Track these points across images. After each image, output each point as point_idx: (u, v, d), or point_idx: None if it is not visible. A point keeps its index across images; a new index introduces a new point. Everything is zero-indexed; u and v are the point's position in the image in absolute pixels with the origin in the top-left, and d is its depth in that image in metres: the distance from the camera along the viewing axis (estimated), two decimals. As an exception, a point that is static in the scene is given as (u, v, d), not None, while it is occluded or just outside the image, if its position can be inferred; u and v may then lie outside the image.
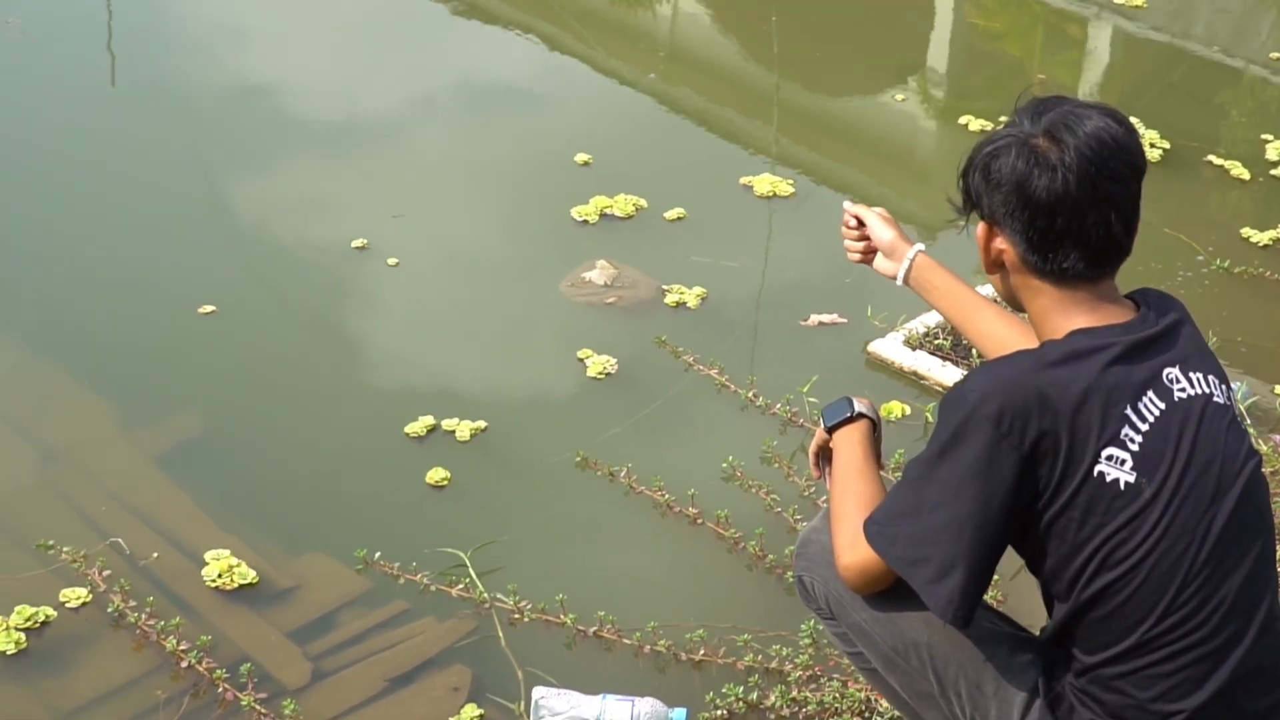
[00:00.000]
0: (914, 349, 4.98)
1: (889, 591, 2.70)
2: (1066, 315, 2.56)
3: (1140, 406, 2.47)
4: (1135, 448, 2.46)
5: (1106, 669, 2.54)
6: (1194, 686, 2.50)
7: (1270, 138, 6.63)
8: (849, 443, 2.90)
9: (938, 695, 2.75)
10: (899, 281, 3.19)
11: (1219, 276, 5.54)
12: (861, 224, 3.25)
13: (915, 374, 4.91)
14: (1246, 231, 5.85)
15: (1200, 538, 2.48)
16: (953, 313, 3.18)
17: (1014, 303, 2.69)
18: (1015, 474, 2.45)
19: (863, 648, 2.85)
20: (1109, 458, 2.45)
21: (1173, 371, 2.52)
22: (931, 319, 5.07)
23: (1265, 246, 5.77)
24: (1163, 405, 2.49)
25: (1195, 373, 2.55)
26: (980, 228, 2.63)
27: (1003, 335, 3.08)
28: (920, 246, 3.18)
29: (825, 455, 3.02)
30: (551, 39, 7.66)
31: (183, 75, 7.04)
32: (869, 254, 3.25)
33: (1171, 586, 2.46)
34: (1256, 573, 2.54)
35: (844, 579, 2.71)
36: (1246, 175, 6.32)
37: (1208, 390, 2.54)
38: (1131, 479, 2.45)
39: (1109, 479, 2.45)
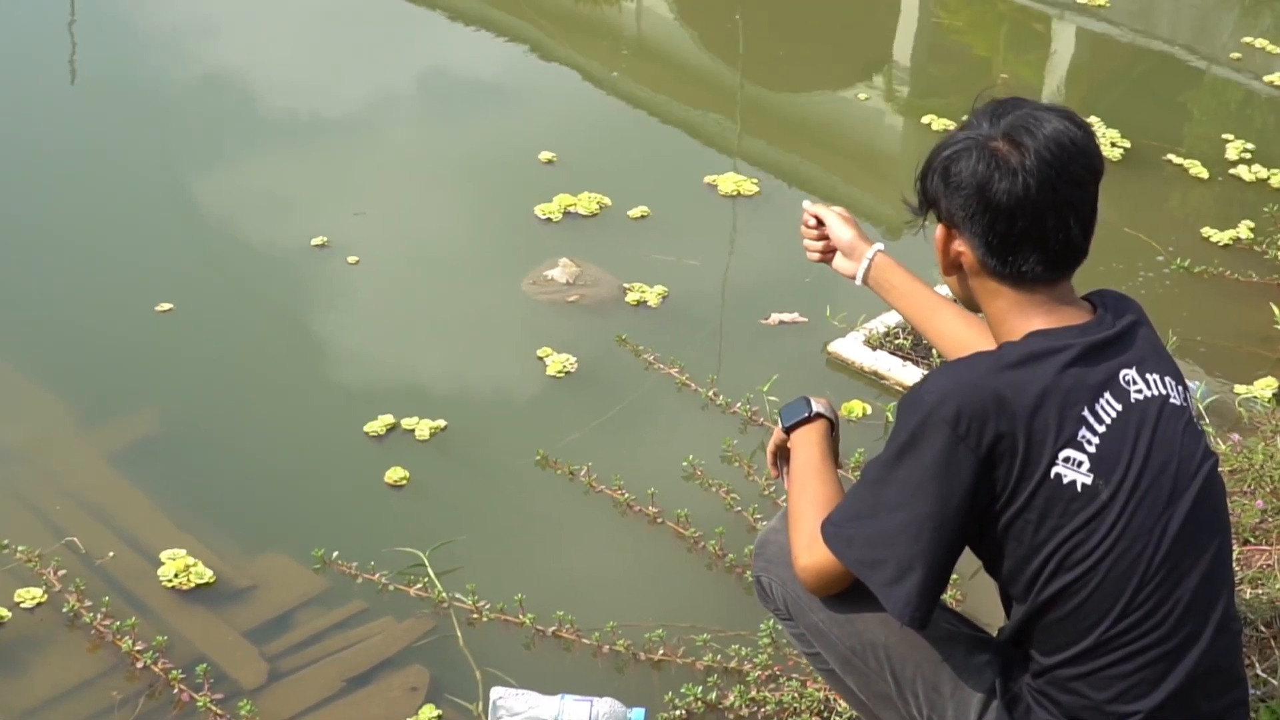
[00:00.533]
0: (874, 349, 4.97)
1: (846, 592, 2.69)
2: (1024, 317, 2.56)
3: (1097, 408, 2.47)
4: (1092, 449, 2.46)
5: (1063, 670, 2.54)
6: (1150, 687, 2.50)
7: (1230, 137, 6.65)
8: (807, 443, 2.89)
9: (895, 696, 2.75)
10: (858, 281, 3.19)
11: (1179, 276, 5.55)
12: (821, 223, 3.24)
13: (876, 374, 4.91)
14: (1206, 231, 5.86)
15: (1157, 539, 2.48)
16: (912, 312, 3.18)
17: (971, 304, 2.69)
18: (972, 476, 2.45)
19: (820, 648, 2.84)
20: (1066, 460, 2.45)
21: (1130, 373, 2.52)
22: (891, 319, 5.07)
23: (1225, 246, 5.79)
24: (1120, 407, 2.49)
25: (1152, 374, 2.55)
26: (939, 230, 2.63)
27: (962, 335, 3.07)
28: (879, 246, 3.17)
29: (783, 455, 3.02)
30: (517, 35, 7.64)
31: (145, 70, 7.02)
32: (828, 253, 3.24)
33: (1128, 588, 2.47)
34: (1213, 573, 2.55)
35: (801, 580, 2.71)
36: (1205, 174, 6.34)
37: (1164, 391, 2.55)
38: (1088, 481, 2.45)
39: (1066, 481, 2.45)
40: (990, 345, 2.62)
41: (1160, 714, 2.51)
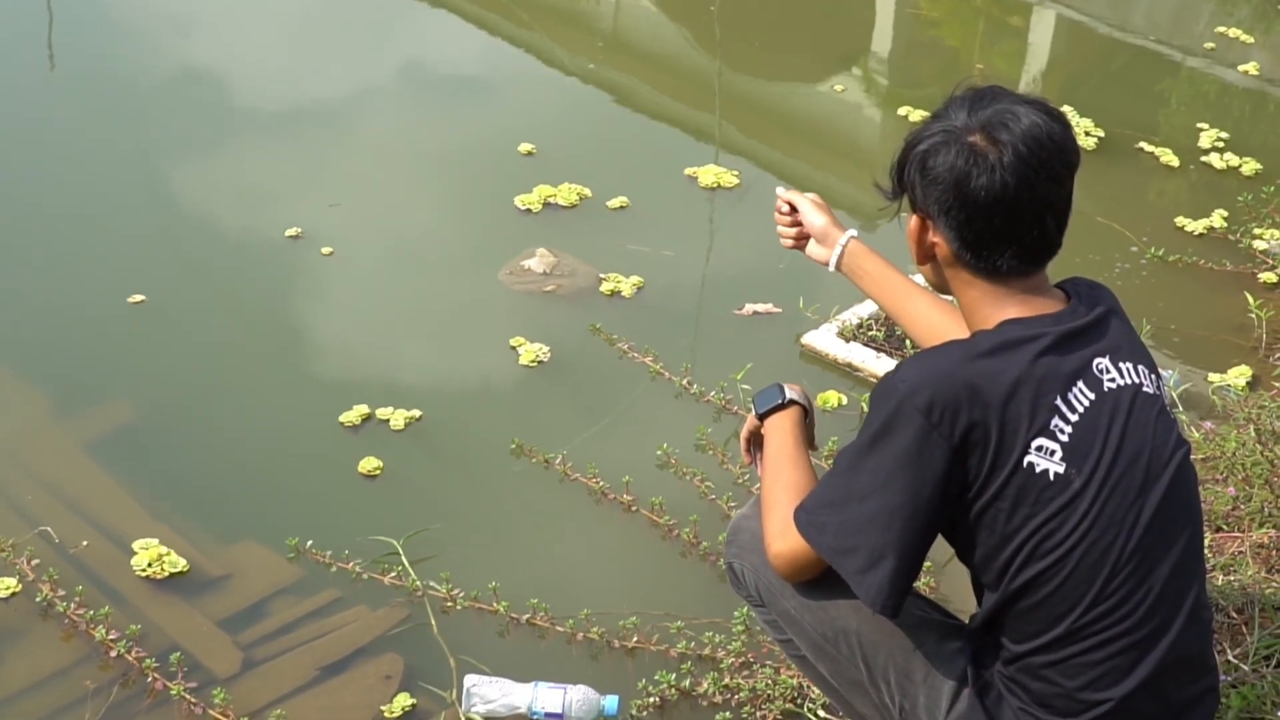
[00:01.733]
0: (848, 340, 4.96)
1: (819, 579, 2.70)
2: (998, 306, 2.56)
3: (1070, 397, 2.48)
4: (1065, 438, 2.46)
5: (1035, 658, 2.55)
6: (1121, 675, 2.51)
7: (1205, 126, 6.67)
8: (780, 429, 2.90)
9: (866, 683, 2.76)
10: (831, 267, 3.19)
11: (1154, 265, 5.57)
12: (794, 209, 3.24)
13: (850, 366, 4.90)
14: (1181, 220, 5.88)
15: (1129, 528, 2.49)
16: (885, 299, 3.18)
17: (945, 292, 2.70)
18: (945, 464, 2.46)
19: (792, 635, 2.85)
20: (1039, 448, 2.45)
21: (1103, 361, 2.53)
22: (864, 310, 5.07)
23: (1200, 235, 5.81)
24: (1092, 395, 2.49)
25: (1125, 363, 2.55)
26: (913, 221, 2.63)
27: (936, 322, 3.08)
28: (853, 232, 3.17)
29: (757, 441, 3.02)
30: (495, 27, 7.63)
31: (121, 60, 7.01)
32: (802, 240, 3.24)
33: (1100, 576, 2.47)
34: (1184, 562, 2.56)
35: (774, 567, 2.71)
36: (1176, 162, 6.36)
37: (1137, 380, 2.55)
38: (1061, 469, 2.46)
39: (1038, 470, 2.45)
40: (963, 333, 2.62)
41: (1131, 702, 2.52)
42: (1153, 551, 2.51)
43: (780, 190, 3.27)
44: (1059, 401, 2.47)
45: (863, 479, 2.53)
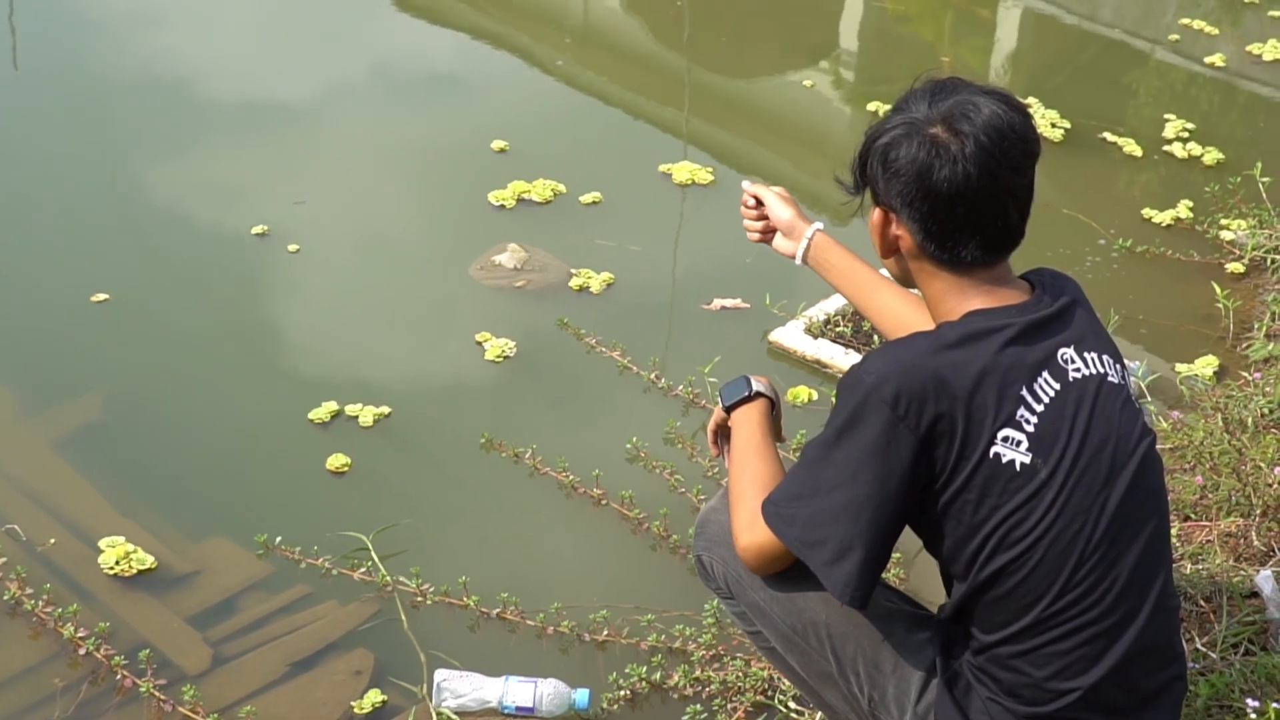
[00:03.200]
0: (815, 337, 4.95)
1: (787, 571, 2.70)
2: (963, 297, 2.57)
3: (1035, 387, 2.48)
4: (1030, 429, 2.47)
5: (1003, 648, 2.55)
6: (1089, 664, 2.52)
7: (1172, 117, 6.70)
8: (747, 422, 2.90)
9: (836, 674, 2.76)
10: (798, 260, 3.19)
11: (1122, 257, 5.58)
12: (760, 203, 3.24)
13: (819, 362, 4.88)
14: (1148, 212, 5.90)
15: (1095, 517, 2.49)
16: (851, 291, 3.19)
17: (909, 284, 2.70)
18: (911, 456, 2.46)
19: (761, 627, 2.85)
20: (1005, 439, 2.46)
21: (1068, 352, 2.53)
22: (831, 306, 5.07)
23: (1167, 227, 5.83)
24: (1058, 386, 2.50)
25: (1090, 352, 2.56)
26: (876, 214, 2.63)
27: (901, 314, 3.08)
28: (819, 225, 3.17)
29: (724, 434, 3.02)
30: (465, 24, 7.62)
31: (86, 56, 6.97)
32: (768, 233, 3.24)
33: (1067, 566, 2.48)
34: (1150, 551, 2.57)
35: (743, 559, 2.71)
36: (1140, 152, 6.39)
37: (1102, 370, 2.56)
38: (1027, 460, 2.47)
39: (1005, 460, 2.46)
40: (929, 325, 2.63)
41: (1099, 690, 2.53)
42: (1119, 540, 2.52)
43: (746, 184, 3.27)
44: (1024, 392, 2.48)
45: (830, 471, 2.53)
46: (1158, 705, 2.63)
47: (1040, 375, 2.49)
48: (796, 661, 2.83)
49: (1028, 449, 2.46)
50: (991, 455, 2.46)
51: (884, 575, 2.64)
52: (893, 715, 2.71)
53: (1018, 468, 2.46)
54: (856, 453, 2.49)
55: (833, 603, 2.67)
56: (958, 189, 2.49)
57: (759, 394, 2.93)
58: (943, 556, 2.60)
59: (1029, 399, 2.47)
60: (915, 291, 2.78)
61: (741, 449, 2.86)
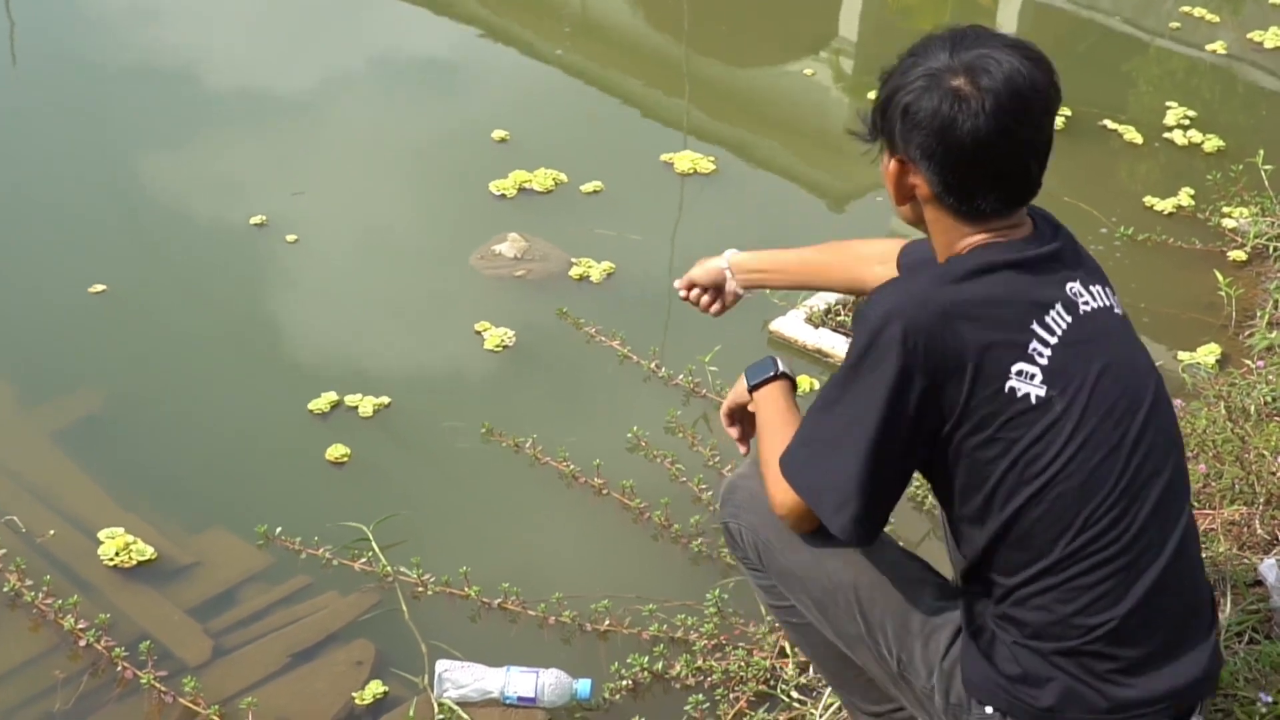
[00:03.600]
0: (816, 326, 4.94)
1: (816, 535, 2.67)
2: (974, 239, 2.54)
3: (1048, 320, 2.45)
4: (1045, 362, 2.43)
5: (1027, 588, 2.51)
6: (1117, 598, 2.48)
7: (1174, 104, 6.68)
8: (772, 398, 2.87)
9: (865, 636, 2.72)
10: (741, 291, 3.29)
11: (1124, 245, 5.57)
12: (693, 285, 3.36)
13: (819, 352, 4.86)
14: (1150, 200, 5.89)
15: (1115, 447, 2.46)
16: (794, 277, 3.23)
17: (921, 227, 2.66)
18: (921, 394, 2.43)
19: (790, 594, 2.82)
20: (1019, 373, 2.42)
21: (1075, 285, 2.51)
22: (832, 295, 5.03)
23: (1169, 214, 5.81)
24: (1069, 319, 2.47)
25: (1095, 285, 2.54)
26: (892, 164, 2.57)
27: (847, 261, 3.11)
28: (728, 253, 3.26)
29: (740, 415, 3.00)
30: (465, 14, 7.60)
31: (85, 49, 6.95)
32: (717, 297, 3.38)
33: (1091, 498, 2.45)
34: (1174, 482, 2.54)
35: (784, 520, 2.67)
36: (1140, 139, 6.38)
37: (1109, 303, 2.54)
38: (1042, 393, 2.43)
39: (1020, 394, 2.42)
40: (872, 261, 2.61)
41: (1128, 622, 2.49)
42: (1142, 470, 2.48)
43: (675, 285, 3.42)
44: (1036, 325, 2.44)
45: (839, 412, 2.51)
46: (1191, 636, 2.58)
47: (1052, 309, 2.46)
48: (830, 627, 2.79)
49: (1042, 382, 2.43)
50: (1006, 390, 2.42)
51: (888, 519, 2.61)
52: (920, 676, 2.68)
53: (1033, 401, 2.43)
54: (864, 394, 2.46)
55: (860, 564, 2.66)
56: (979, 143, 2.45)
57: (783, 374, 2.91)
58: (957, 504, 2.55)
59: (1041, 332, 2.44)
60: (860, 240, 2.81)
61: (769, 420, 2.83)
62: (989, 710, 2.58)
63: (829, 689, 3.39)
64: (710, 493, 4.16)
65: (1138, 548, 2.48)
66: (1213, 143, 6.34)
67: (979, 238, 2.53)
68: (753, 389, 2.92)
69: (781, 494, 2.64)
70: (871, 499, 2.51)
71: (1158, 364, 4.64)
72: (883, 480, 2.51)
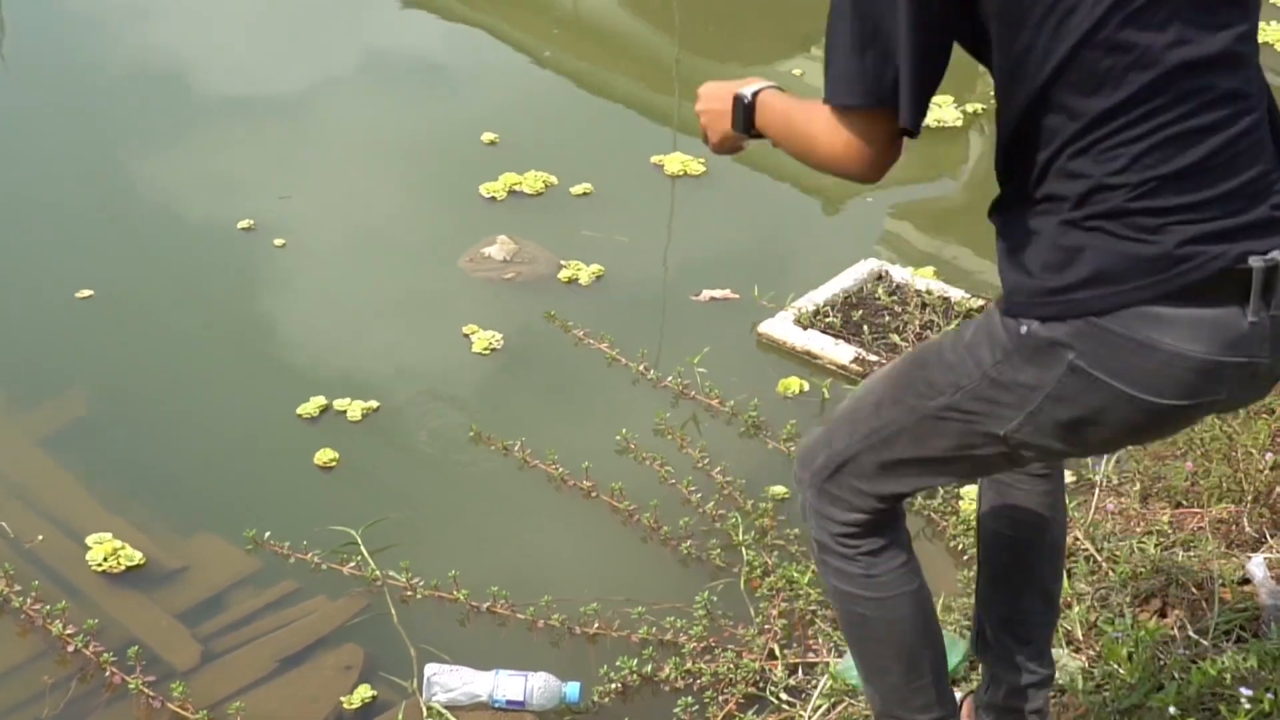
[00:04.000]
0: (804, 328, 4.92)
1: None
2: None
3: None
4: None
5: (1076, 143, 2.22)
6: (1177, 150, 2.21)
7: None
8: (771, 103, 2.62)
9: (943, 393, 2.43)
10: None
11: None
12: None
13: (808, 353, 4.84)
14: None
15: None
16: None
17: None
18: None
19: (887, 446, 2.51)
20: None
21: None
22: (820, 297, 5.02)
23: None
24: None
25: None
26: None
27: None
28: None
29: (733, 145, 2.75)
30: (456, 15, 7.60)
31: (74, 49, 6.95)
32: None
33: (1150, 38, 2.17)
34: (1247, 35, 2.26)
35: (849, 173, 2.39)
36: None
37: None
38: None
39: None
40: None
41: (1187, 172, 2.21)
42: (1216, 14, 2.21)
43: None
44: None
45: (860, 12, 2.27)
46: (1258, 190, 2.26)
47: None
48: (915, 417, 2.48)
49: None
50: None
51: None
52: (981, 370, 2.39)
53: None
54: None
55: (916, 410, 2.44)
56: None
57: (757, 92, 2.63)
58: (1002, 57, 2.25)
59: None
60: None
61: (783, 110, 2.59)
62: (1036, 325, 2.28)
63: (828, 693, 3.42)
64: (699, 495, 4.16)
65: (1208, 103, 2.21)
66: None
67: None
68: (749, 131, 2.67)
69: (839, 140, 2.36)
70: (917, 74, 2.24)
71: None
72: (923, 51, 2.24)
